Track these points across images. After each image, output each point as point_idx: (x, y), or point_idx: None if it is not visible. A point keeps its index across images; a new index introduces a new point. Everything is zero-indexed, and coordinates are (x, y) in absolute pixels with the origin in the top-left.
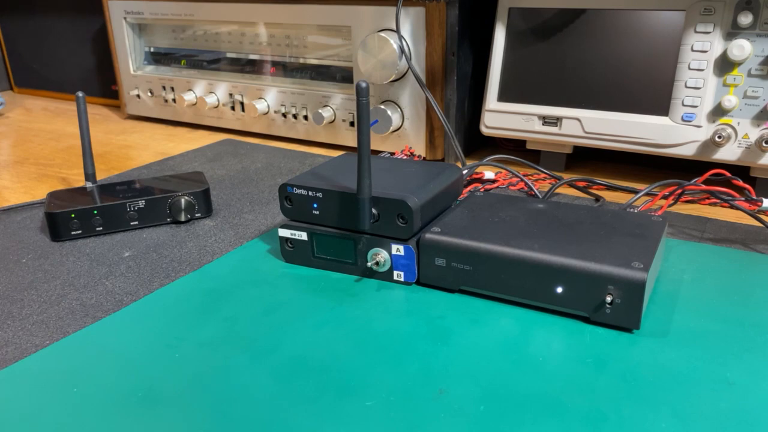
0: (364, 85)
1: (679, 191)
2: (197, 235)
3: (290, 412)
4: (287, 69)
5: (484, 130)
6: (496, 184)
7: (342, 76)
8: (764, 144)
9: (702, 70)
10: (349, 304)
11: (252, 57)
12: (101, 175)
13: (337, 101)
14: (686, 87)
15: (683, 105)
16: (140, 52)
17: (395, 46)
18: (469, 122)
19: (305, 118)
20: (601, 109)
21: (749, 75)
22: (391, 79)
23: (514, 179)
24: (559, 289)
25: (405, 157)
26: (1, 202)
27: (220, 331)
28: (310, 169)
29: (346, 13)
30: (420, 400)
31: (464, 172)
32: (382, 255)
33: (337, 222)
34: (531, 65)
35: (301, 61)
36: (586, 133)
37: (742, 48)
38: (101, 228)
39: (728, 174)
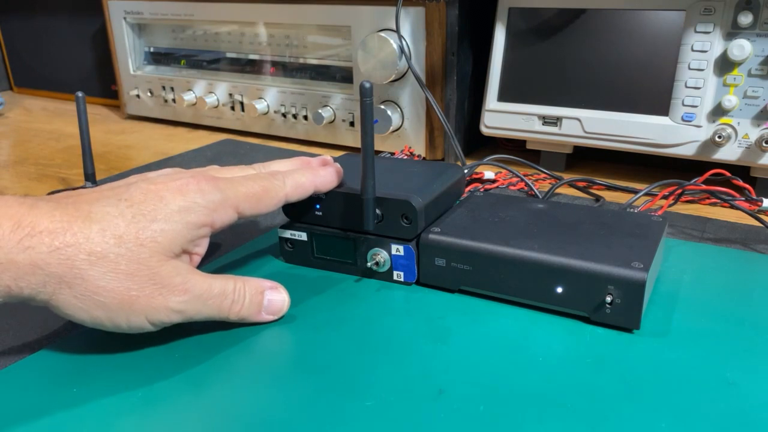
0: (368, 85)
1: (679, 191)
2: None
3: (290, 412)
4: (287, 69)
5: (484, 130)
6: (496, 184)
7: (342, 76)
8: (764, 144)
9: (702, 70)
10: (349, 304)
11: (252, 57)
12: (101, 176)
13: (337, 101)
14: (686, 87)
15: (683, 105)
16: (140, 52)
17: (395, 46)
18: (469, 122)
19: (305, 118)
20: (601, 109)
21: (749, 75)
22: (390, 79)
23: (514, 179)
24: (559, 289)
25: (405, 157)
26: None
27: (219, 332)
28: None
29: (346, 13)
30: (420, 400)
31: (464, 171)
32: (382, 255)
33: (341, 223)
34: (531, 65)
35: (301, 61)
36: (586, 133)
37: (742, 48)
38: None
39: (728, 174)
